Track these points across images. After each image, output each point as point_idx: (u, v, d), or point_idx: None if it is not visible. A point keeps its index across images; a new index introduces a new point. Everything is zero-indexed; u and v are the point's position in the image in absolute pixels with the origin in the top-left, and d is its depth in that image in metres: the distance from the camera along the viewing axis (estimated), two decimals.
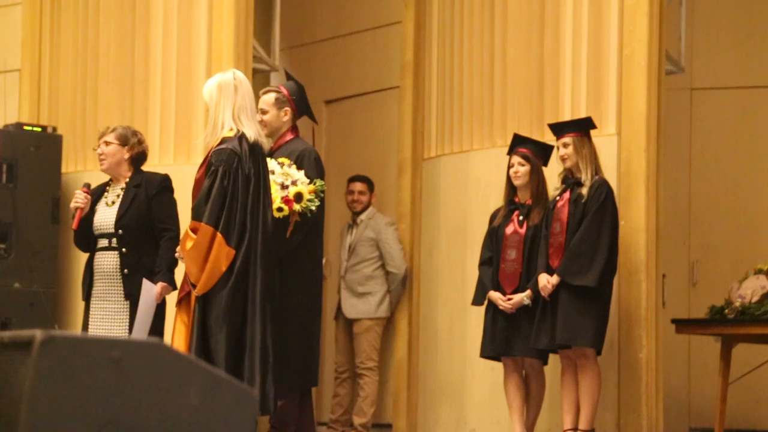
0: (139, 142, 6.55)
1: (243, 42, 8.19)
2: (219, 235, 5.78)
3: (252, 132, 5.96)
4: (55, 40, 8.97)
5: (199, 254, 5.78)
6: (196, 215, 5.87)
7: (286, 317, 6.38)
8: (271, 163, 6.49)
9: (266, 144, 6.19)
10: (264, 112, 6.79)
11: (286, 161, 6.61)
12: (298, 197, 6.49)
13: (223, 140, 5.94)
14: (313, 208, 6.52)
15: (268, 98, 6.84)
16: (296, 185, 6.50)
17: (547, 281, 6.74)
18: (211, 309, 5.79)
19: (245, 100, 5.99)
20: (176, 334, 5.90)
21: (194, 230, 5.83)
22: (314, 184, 6.59)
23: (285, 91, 6.89)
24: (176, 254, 6.18)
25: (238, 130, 5.93)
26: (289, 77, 7.14)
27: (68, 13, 8.90)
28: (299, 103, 6.94)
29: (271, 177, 6.31)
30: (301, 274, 6.63)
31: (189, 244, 5.82)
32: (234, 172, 5.85)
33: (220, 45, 8.16)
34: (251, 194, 5.89)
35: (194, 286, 5.81)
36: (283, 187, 6.45)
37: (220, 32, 8.17)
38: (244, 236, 5.83)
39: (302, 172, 6.59)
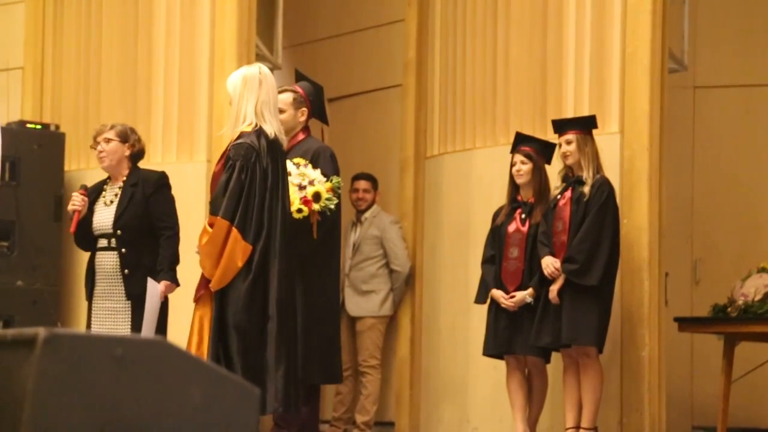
0: (138, 139, 6.55)
1: (246, 40, 8.19)
2: (234, 230, 5.77)
3: (273, 128, 5.95)
4: (57, 37, 8.97)
5: (214, 249, 5.77)
6: (213, 210, 5.87)
7: (307, 315, 6.42)
8: (287, 164, 6.49)
9: (285, 141, 6.19)
10: (281, 111, 6.81)
11: (302, 161, 6.62)
12: (317, 197, 6.50)
13: (241, 134, 5.93)
14: (332, 206, 6.54)
15: (286, 98, 6.85)
16: (314, 185, 6.50)
17: (552, 264, 6.72)
18: (229, 305, 5.79)
19: (269, 95, 5.99)
20: (193, 329, 5.88)
21: (211, 225, 5.83)
22: (331, 181, 6.60)
23: (302, 92, 6.91)
24: (195, 250, 6.17)
25: (257, 125, 5.93)
26: (302, 77, 7.14)
27: (71, 11, 8.90)
28: (315, 105, 6.97)
29: (287, 178, 6.32)
30: (322, 272, 6.66)
31: (204, 239, 5.81)
32: (252, 166, 5.85)
33: (223, 43, 8.16)
34: (269, 190, 5.88)
35: (209, 281, 5.81)
36: (301, 187, 6.45)
37: (223, 30, 8.17)
38: (261, 232, 5.82)
39: (318, 171, 6.60)
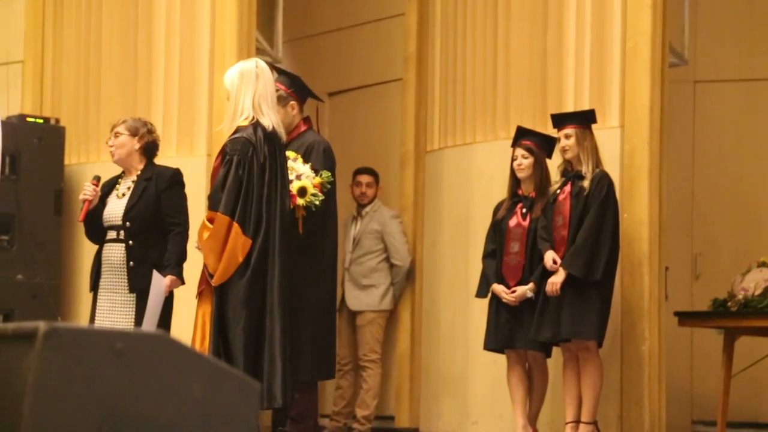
0: (149, 131, 6.55)
1: (246, 34, 8.18)
2: (235, 225, 5.78)
3: (270, 121, 5.96)
4: (58, 31, 8.97)
5: (216, 244, 5.78)
6: (212, 205, 5.87)
7: (297, 310, 6.41)
8: None
9: (284, 135, 6.19)
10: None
11: (292, 155, 6.61)
12: (302, 192, 6.49)
13: (238, 129, 5.95)
14: (317, 202, 6.52)
15: None
16: (300, 179, 6.49)
17: (553, 261, 6.71)
18: (228, 300, 5.80)
19: (266, 88, 6.00)
20: (197, 326, 5.90)
21: (210, 220, 5.83)
22: (321, 176, 6.59)
23: (282, 87, 6.91)
24: (195, 245, 6.17)
25: (254, 118, 5.94)
26: (280, 71, 7.14)
27: (71, 5, 8.89)
28: (299, 92, 6.97)
29: (286, 171, 6.31)
30: (311, 268, 6.64)
31: (206, 235, 5.82)
32: (249, 161, 5.85)
33: (223, 37, 8.16)
34: (267, 183, 5.88)
35: (212, 276, 5.81)
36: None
37: (223, 24, 8.17)
38: (260, 226, 5.83)
39: (308, 166, 6.59)
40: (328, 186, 6.61)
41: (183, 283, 6.39)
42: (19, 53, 9.12)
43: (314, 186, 6.53)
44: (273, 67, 7.31)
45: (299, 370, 6.38)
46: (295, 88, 6.97)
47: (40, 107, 8.96)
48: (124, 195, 6.46)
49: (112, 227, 6.42)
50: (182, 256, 6.40)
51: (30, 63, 9.04)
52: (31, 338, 2.44)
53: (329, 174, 6.63)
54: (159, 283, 6.27)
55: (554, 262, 6.75)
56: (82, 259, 8.31)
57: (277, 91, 6.86)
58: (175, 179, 6.50)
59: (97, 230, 6.48)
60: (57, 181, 8.54)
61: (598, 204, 6.75)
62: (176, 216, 6.43)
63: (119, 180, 6.57)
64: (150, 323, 6.24)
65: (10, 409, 2.46)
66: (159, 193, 6.42)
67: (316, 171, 6.61)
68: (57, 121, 8.70)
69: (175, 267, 6.34)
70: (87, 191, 6.44)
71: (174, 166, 6.69)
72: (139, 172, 6.49)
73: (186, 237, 6.43)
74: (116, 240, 6.39)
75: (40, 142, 8.50)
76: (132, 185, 6.47)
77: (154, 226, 6.39)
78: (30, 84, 9.02)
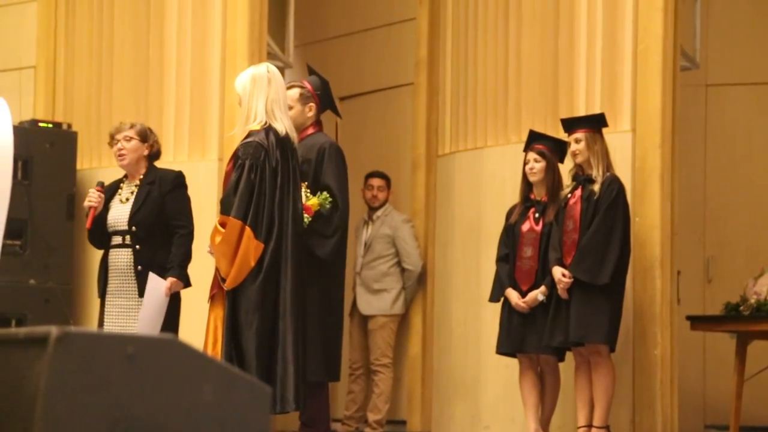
0: (156, 140, 6.63)
1: (257, 38, 8.19)
2: (247, 229, 5.79)
3: (283, 126, 5.98)
4: (69, 36, 8.99)
5: (228, 248, 5.79)
6: (225, 209, 5.88)
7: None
8: None
9: (296, 138, 6.19)
10: (288, 108, 6.79)
11: None
12: None
13: (250, 133, 5.96)
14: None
15: (293, 93, 6.84)
16: None
17: (562, 274, 6.72)
18: (241, 304, 5.80)
19: (278, 93, 6.02)
20: (209, 331, 5.90)
21: (223, 224, 5.84)
22: (318, 197, 6.54)
23: (309, 86, 6.90)
24: (207, 249, 6.17)
25: (267, 123, 5.95)
26: (312, 72, 7.14)
27: (83, 10, 8.92)
28: (323, 98, 6.96)
29: (299, 175, 6.28)
30: (318, 269, 6.62)
31: (218, 239, 5.83)
32: (261, 165, 5.86)
33: (235, 42, 8.17)
34: (279, 187, 5.89)
35: (224, 281, 5.82)
36: None
37: (235, 29, 8.18)
38: (272, 230, 5.84)
39: (304, 188, 6.51)
40: (328, 206, 6.56)
41: (185, 285, 6.38)
42: (31, 58, 9.14)
43: (304, 207, 6.45)
44: (307, 67, 7.32)
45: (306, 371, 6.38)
46: (322, 93, 6.95)
47: (52, 112, 8.97)
48: (127, 200, 6.46)
49: (117, 232, 6.42)
50: (186, 258, 6.40)
51: (42, 68, 9.06)
52: (43, 343, 2.45)
53: (326, 196, 6.57)
54: (156, 286, 6.24)
55: (563, 275, 6.73)
56: (94, 263, 8.29)
57: (302, 88, 6.87)
58: (178, 182, 6.51)
59: (101, 236, 6.49)
60: (69, 186, 8.56)
61: (607, 207, 6.75)
62: (181, 218, 6.44)
63: (121, 184, 6.57)
64: (148, 326, 6.20)
65: (22, 414, 2.47)
66: (163, 197, 6.42)
67: (330, 174, 6.60)
68: (69, 126, 8.71)
69: (177, 269, 6.34)
70: (92, 198, 6.44)
71: (185, 170, 6.71)
72: (141, 176, 6.50)
73: (191, 239, 6.44)
74: (122, 245, 6.39)
75: (52, 147, 8.52)
76: (135, 189, 6.47)
77: (160, 230, 6.39)
78: (42, 89, 9.04)
